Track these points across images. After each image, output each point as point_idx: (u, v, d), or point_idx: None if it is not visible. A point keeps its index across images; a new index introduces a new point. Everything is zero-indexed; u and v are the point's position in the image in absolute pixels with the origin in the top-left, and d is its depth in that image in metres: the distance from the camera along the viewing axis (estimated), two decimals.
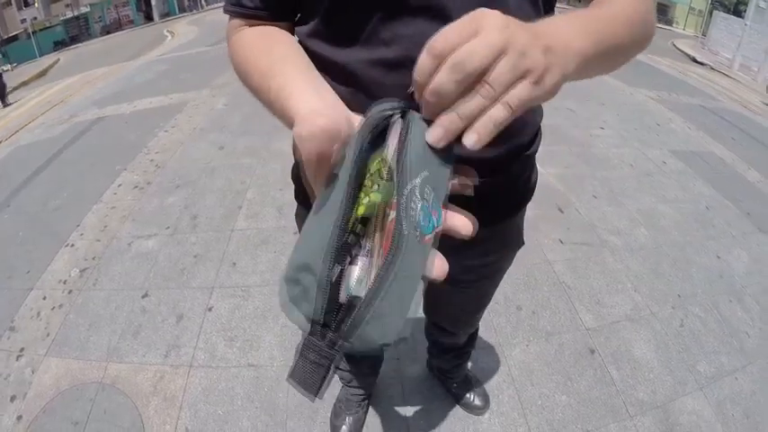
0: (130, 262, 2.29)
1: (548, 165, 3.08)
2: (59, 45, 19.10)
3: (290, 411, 1.54)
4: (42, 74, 12.28)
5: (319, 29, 0.51)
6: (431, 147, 0.31)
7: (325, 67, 0.47)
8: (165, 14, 22.67)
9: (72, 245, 2.48)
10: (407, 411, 1.54)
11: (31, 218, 2.88)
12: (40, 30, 19.09)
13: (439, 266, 0.31)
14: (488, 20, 0.29)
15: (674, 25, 17.41)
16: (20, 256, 2.47)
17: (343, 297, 0.28)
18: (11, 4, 18.70)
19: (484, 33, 0.29)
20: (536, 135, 0.66)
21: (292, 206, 0.78)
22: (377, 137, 0.32)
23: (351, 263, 0.29)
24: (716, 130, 4.52)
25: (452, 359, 1.48)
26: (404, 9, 0.45)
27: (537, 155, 0.69)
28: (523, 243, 0.86)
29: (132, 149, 3.62)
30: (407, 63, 0.33)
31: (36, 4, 19.47)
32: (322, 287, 0.28)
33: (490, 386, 1.61)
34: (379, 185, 0.30)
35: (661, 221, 2.68)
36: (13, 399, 1.65)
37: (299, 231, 0.82)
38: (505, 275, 0.91)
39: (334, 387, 1.55)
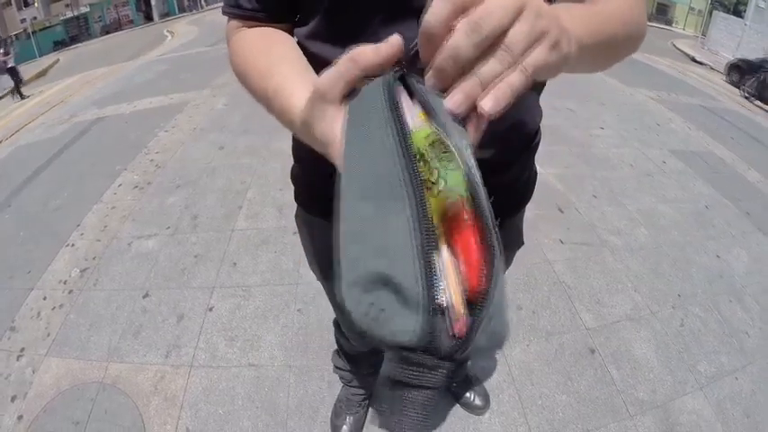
0: (131, 262, 2.29)
1: (548, 165, 3.08)
2: (59, 45, 19.09)
3: (290, 411, 1.54)
4: (42, 74, 12.27)
5: (319, 30, 0.50)
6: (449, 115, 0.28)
7: (324, 68, 0.47)
8: (165, 14, 22.67)
9: (72, 245, 2.48)
10: None
11: (31, 218, 2.88)
12: (40, 30, 19.10)
13: None
14: None
15: (673, 25, 17.42)
16: (20, 256, 2.48)
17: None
18: (11, 4, 18.69)
19: None
20: (536, 135, 0.66)
21: (292, 206, 0.78)
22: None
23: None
24: (716, 130, 4.53)
25: None
26: (405, 10, 0.45)
27: (537, 155, 0.69)
28: (523, 243, 0.86)
29: (132, 149, 3.62)
30: None
31: (36, 4, 19.47)
32: (426, 311, 0.22)
33: (490, 386, 1.61)
34: (441, 164, 0.25)
35: (661, 221, 2.69)
36: (13, 399, 1.65)
37: (300, 232, 0.82)
38: (506, 275, 0.91)
39: (335, 387, 1.56)
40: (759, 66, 7.97)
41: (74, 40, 19.77)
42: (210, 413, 1.54)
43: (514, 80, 0.27)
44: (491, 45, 0.27)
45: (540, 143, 0.68)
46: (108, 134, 4.28)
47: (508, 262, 0.87)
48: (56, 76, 10.90)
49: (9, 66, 8.83)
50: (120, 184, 3.08)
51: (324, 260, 0.82)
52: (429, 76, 0.29)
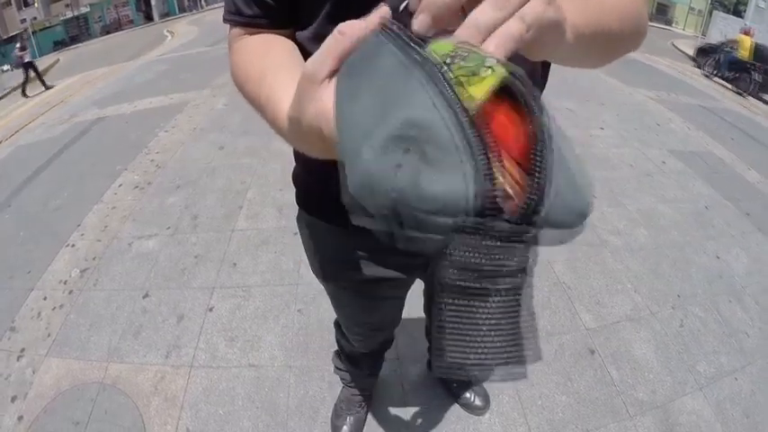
0: (131, 262, 2.29)
1: None
2: (59, 45, 19.08)
3: (290, 411, 1.54)
4: (42, 74, 12.26)
5: (320, 32, 0.50)
6: None
7: None
8: (165, 14, 22.66)
9: (72, 245, 2.48)
10: (408, 411, 1.55)
11: (31, 218, 2.88)
12: (40, 30, 19.08)
13: None
14: None
15: (673, 25, 17.42)
16: (20, 256, 2.48)
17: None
18: (11, 4, 18.68)
19: None
20: None
21: (292, 206, 0.78)
22: None
23: None
24: (715, 130, 4.53)
25: None
26: (408, 12, 0.45)
27: None
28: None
29: (133, 149, 3.63)
30: None
31: (36, 4, 19.46)
32: (475, 159, 0.18)
33: (490, 386, 1.61)
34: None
35: (661, 221, 2.69)
36: (13, 399, 1.65)
37: (301, 234, 0.83)
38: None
39: (335, 388, 1.56)
40: (718, 47, 8.94)
41: (74, 40, 19.76)
42: (211, 413, 1.55)
43: (514, 28, 0.25)
44: None
45: None
46: (108, 134, 4.29)
47: None
48: (56, 76, 10.88)
49: (26, 61, 8.89)
50: (120, 185, 3.09)
51: (325, 262, 0.82)
52: (421, 14, 0.26)
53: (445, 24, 0.26)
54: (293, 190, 0.77)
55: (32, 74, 8.83)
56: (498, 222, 0.19)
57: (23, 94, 8.43)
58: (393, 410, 1.55)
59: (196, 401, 1.59)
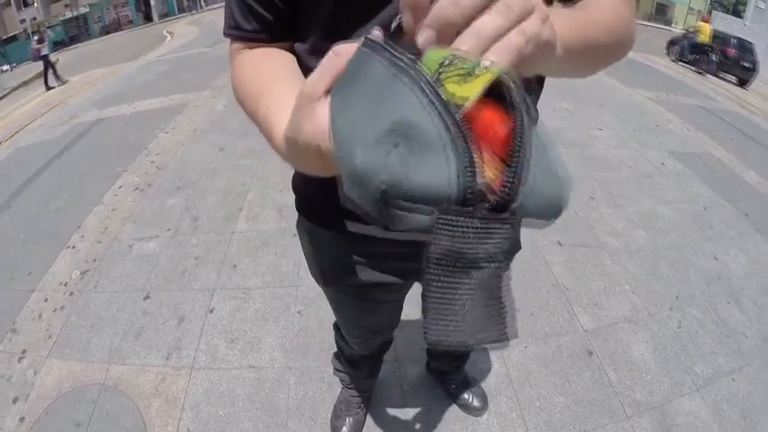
0: (131, 264, 2.30)
1: None
2: (59, 45, 19.05)
3: (290, 412, 1.55)
4: (40, 75, 12.25)
5: (318, 45, 0.51)
6: None
7: None
8: (165, 15, 22.66)
9: (73, 246, 2.49)
10: (407, 412, 1.56)
11: (31, 219, 2.89)
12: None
13: None
14: None
15: (672, 25, 17.41)
16: (21, 257, 2.48)
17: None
18: (10, 5, 18.67)
19: None
20: None
21: (292, 208, 0.79)
22: None
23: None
24: (714, 131, 4.54)
25: (451, 361, 1.50)
26: (401, 29, 0.46)
27: None
28: (520, 248, 0.87)
29: (133, 151, 3.63)
30: None
31: (35, 5, 19.45)
32: (457, 150, 0.20)
33: (488, 387, 1.62)
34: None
35: (659, 223, 2.70)
36: (15, 400, 1.66)
37: (301, 240, 0.83)
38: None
39: (335, 389, 1.57)
40: (683, 37, 10.24)
41: (73, 40, 19.73)
42: (211, 414, 1.56)
43: (515, 41, 0.26)
44: (485, 7, 0.26)
45: None
46: (108, 135, 4.29)
47: None
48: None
49: (43, 53, 8.90)
50: (120, 186, 3.09)
51: (325, 267, 0.82)
52: (427, 29, 0.26)
53: (450, 40, 0.26)
54: (293, 197, 0.78)
55: (29, 76, 8.85)
56: (478, 209, 0.21)
57: (59, 80, 8.43)
58: (392, 411, 1.56)
59: (197, 403, 1.59)
